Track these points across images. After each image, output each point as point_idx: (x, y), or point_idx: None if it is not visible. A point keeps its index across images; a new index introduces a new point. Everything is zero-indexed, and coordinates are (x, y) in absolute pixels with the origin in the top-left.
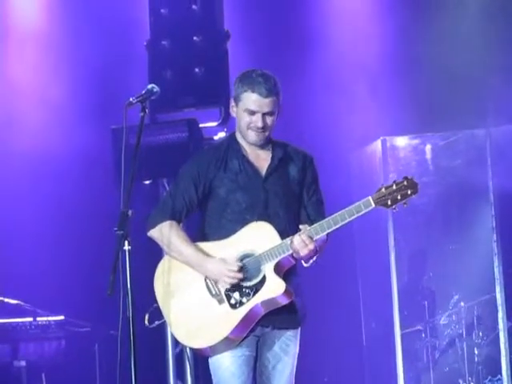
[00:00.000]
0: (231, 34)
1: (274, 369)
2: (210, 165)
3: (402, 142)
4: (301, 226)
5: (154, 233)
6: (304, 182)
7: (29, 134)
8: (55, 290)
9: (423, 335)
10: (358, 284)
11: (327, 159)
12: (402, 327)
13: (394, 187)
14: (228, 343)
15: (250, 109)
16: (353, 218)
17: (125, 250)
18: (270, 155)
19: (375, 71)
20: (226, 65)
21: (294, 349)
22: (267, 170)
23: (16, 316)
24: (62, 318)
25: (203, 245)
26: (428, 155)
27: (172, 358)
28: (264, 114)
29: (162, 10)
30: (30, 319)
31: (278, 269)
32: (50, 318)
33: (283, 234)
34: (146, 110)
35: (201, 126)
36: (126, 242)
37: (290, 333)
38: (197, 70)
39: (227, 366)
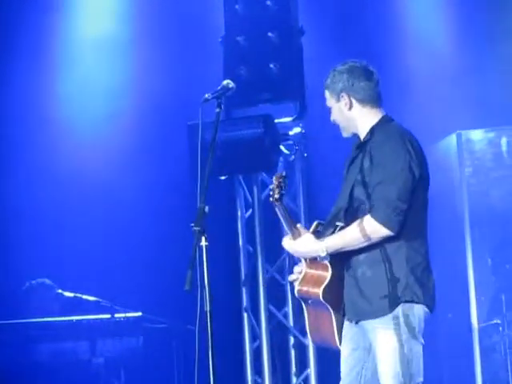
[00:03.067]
0: (305, 29)
1: (368, 365)
2: None
3: (477, 135)
4: None
5: None
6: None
7: (109, 131)
8: (133, 287)
9: (500, 329)
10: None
11: None
12: (479, 321)
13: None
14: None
15: None
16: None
17: (202, 246)
18: None
19: (449, 65)
20: (300, 60)
21: (379, 340)
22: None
23: (94, 313)
24: (139, 314)
25: None
26: (504, 148)
27: (250, 353)
28: (330, 109)
29: (237, 6)
30: (108, 316)
31: (310, 267)
32: (128, 315)
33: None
34: (222, 106)
35: (276, 121)
36: (203, 238)
37: (369, 325)
38: (271, 65)
39: (341, 367)
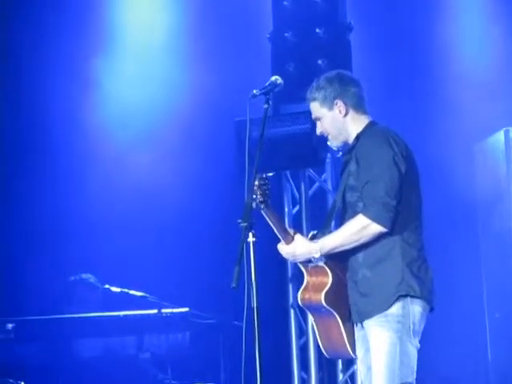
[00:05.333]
0: (354, 25)
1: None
2: None
3: None
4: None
5: None
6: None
7: (157, 129)
8: (180, 282)
9: None
10: (482, 275)
11: (451, 152)
12: None
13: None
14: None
15: None
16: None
17: (249, 242)
18: None
19: (497, 60)
20: (348, 57)
21: (372, 337)
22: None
23: (141, 308)
24: (186, 309)
25: None
26: None
27: (296, 349)
28: (315, 121)
29: (285, 2)
30: (155, 311)
31: (311, 275)
32: (175, 310)
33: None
34: (270, 102)
35: None
36: (251, 234)
37: (368, 324)
38: (319, 61)
39: (358, 367)
